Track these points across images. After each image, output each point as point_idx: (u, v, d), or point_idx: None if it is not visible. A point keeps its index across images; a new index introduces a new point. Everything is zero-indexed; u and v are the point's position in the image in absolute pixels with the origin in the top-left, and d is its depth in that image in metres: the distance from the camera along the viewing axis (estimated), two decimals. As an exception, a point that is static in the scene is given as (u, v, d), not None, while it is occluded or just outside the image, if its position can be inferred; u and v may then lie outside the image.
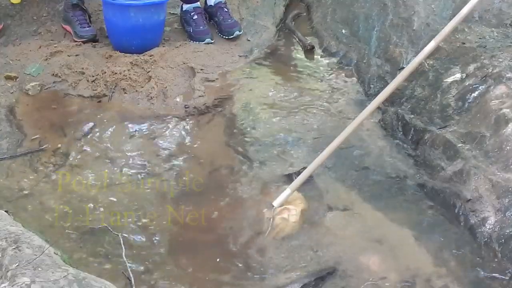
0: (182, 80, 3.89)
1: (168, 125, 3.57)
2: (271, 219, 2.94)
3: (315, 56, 4.39)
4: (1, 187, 3.03)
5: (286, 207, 2.98)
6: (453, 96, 3.36)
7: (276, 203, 2.98)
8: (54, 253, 2.20)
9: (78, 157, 3.28)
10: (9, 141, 3.31)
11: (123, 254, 2.59)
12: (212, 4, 4.49)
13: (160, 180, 3.17)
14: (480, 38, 3.63)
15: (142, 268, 2.65)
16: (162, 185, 3.14)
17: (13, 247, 2.07)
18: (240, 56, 4.26)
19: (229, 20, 4.43)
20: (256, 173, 3.22)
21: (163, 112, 3.66)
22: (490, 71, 3.29)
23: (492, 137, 3.02)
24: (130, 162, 3.28)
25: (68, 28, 4.23)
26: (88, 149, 3.33)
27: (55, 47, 4.06)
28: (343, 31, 4.45)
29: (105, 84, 3.77)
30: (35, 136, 3.39)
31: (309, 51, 4.43)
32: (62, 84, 3.79)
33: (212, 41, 4.33)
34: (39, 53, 4.00)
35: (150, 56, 3.98)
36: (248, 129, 3.57)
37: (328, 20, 4.63)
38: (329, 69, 4.22)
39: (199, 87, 3.81)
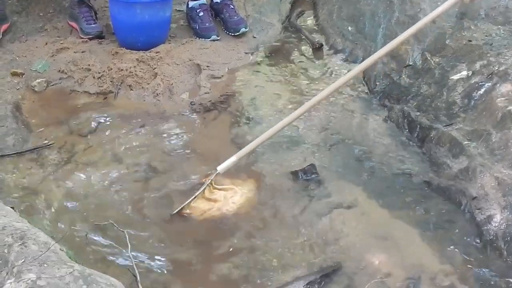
0: (188, 77, 3.90)
1: (174, 122, 3.57)
2: (207, 181, 3.00)
3: (323, 55, 4.39)
4: (7, 184, 3.04)
5: (233, 188, 3.06)
6: (459, 94, 3.35)
7: (220, 168, 3.01)
8: (60, 249, 2.20)
9: (84, 153, 3.29)
10: (15, 138, 3.32)
11: (129, 250, 2.59)
12: (218, 1, 4.49)
13: (166, 176, 3.17)
14: (486, 36, 3.62)
15: (147, 264, 2.65)
16: (167, 181, 3.14)
17: (19, 243, 2.07)
18: (246, 53, 4.26)
19: (235, 17, 4.44)
20: (262, 170, 3.22)
21: (169, 109, 3.67)
22: (496, 68, 3.29)
23: (498, 135, 3.02)
24: (135, 158, 3.28)
25: (74, 24, 4.23)
26: (94, 146, 3.34)
27: (61, 43, 4.07)
28: (349, 28, 4.45)
29: (111, 81, 3.77)
30: (40, 129, 3.41)
31: (317, 49, 4.43)
32: (68, 81, 3.80)
33: (218, 38, 4.33)
34: (45, 49, 4.01)
35: (156, 53, 3.98)
36: (254, 126, 3.57)
37: (334, 17, 4.63)
38: (335, 66, 4.22)
39: (205, 84, 3.82)
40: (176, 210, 2.91)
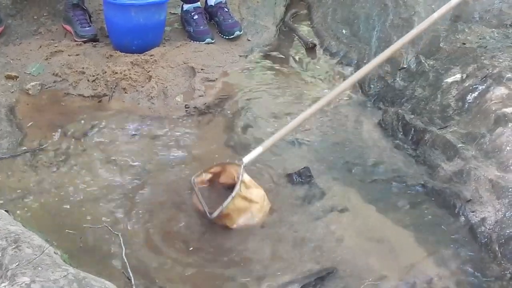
0: (183, 80, 3.89)
1: (169, 125, 3.57)
2: (240, 176, 2.90)
3: (316, 56, 4.39)
4: (1, 187, 3.03)
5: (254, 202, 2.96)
6: (453, 97, 3.36)
7: (246, 159, 2.96)
8: (54, 252, 2.20)
9: (78, 156, 3.28)
10: (9, 141, 3.31)
11: (123, 253, 2.59)
12: (213, 4, 4.50)
13: (160, 180, 3.17)
14: (480, 39, 3.63)
15: (141, 267, 2.65)
16: (162, 185, 3.14)
17: (13, 246, 2.07)
18: (240, 56, 4.27)
19: (230, 20, 4.44)
20: (257, 173, 3.22)
21: (164, 112, 3.66)
22: (490, 71, 3.30)
23: (492, 137, 3.02)
24: (130, 162, 3.27)
25: (68, 27, 4.23)
26: (88, 149, 3.33)
27: (55, 46, 4.07)
28: (344, 31, 4.45)
29: (105, 84, 3.77)
30: (34, 132, 3.40)
31: (311, 49, 4.44)
32: (63, 84, 3.80)
33: (213, 41, 4.34)
34: (39, 52, 4.00)
35: (151, 55, 3.98)
36: (248, 129, 3.57)
37: (329, 20, 4.64)
38: (329, 69, 4.22)
39: (199, 87, 3.82)
40: (216, 213, 2.84)
